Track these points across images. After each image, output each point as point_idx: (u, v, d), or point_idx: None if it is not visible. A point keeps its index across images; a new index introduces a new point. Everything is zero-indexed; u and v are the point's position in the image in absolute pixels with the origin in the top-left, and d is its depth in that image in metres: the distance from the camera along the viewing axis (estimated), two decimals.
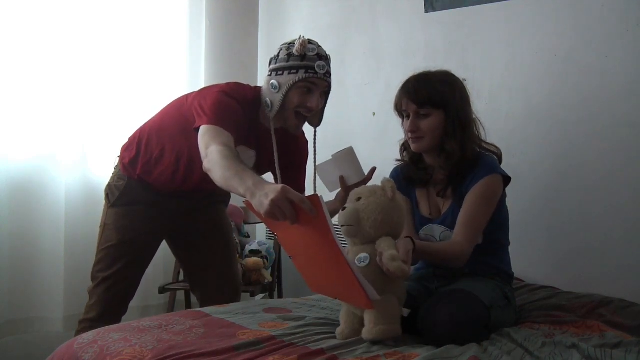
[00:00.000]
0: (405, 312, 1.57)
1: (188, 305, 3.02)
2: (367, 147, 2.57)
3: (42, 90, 2.67)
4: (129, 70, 2.93)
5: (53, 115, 2.69)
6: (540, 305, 1.89)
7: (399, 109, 1.86)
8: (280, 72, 1.88)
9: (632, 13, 2.06)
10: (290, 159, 2.09)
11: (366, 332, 1.49)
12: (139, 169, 2.09)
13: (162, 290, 2.86)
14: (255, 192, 1.44)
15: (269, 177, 2.05)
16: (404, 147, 1.95)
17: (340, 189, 1.92)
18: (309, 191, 2.07)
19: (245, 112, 1.92)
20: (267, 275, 2.92)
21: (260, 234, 3.44)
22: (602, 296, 1.91)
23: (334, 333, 1.58)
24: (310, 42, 1.90)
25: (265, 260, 2.93)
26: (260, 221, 2.34)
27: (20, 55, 2.60)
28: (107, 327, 1.63)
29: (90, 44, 2.80)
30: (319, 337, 1.52)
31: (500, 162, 1.88)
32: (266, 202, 1.37)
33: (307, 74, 1.85)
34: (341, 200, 1.92)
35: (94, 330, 1.61)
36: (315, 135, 2.02)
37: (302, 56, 1.86)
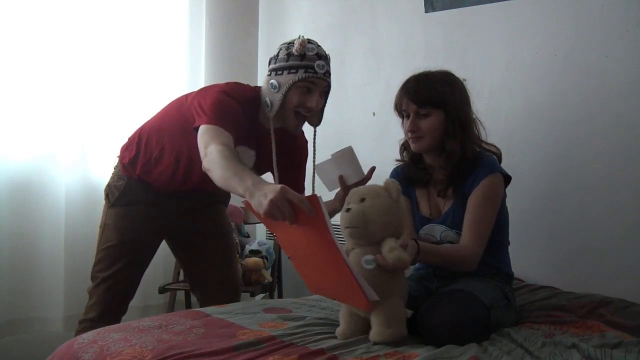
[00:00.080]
0: (408, 312, 1.57)
1: (188, 305, 3.02)
2: (367, 147, 2.57)
3: (42, 90, 2.67)
4: (129, 70, 2.93)
5: (53, 115, 2.70)
6: (540, 305, 1.89)
7: (399, 108, 1.86)
8: (279, 72, 1.88)
9: (632, 13, 2.06)
10: (290, 158, 2.09)
11: (376, 335, 1.49)
12: (138, 169, 2.09)
13: (162, 290, 2.86)
14: (254, 192, 1.44)
15: (268, 177, 2.06)
16: (404, 147, 1.95)
17: (339, 189, 1.92)
18: (308, 191, 2.07)
19: (245, 111, 1.92)
20: (267, 275, 2.92)
21: (260, 234, 3.44)
22: (602, 296, 1.91)
23: (334, 333, 1.58)
24: (309, 41, 1.90)
25: (265, 260, 2.93)
26: (260, 221, 2.34)
27: (20, 55, 2.60)
28: (107, 327, 1.63)
29: (90, 44, 2.80)
30: (319, 337, 1.52)
31: (500, 162, 1.88)
32: (265, 202, 1.37)
33: (307, 74, 1.85)
34: (340, 199, 1.92)
35: (94, 330, 1.61)
36: (314, 135, 2.02)
37: (302, 56, 1.86)
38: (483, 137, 1.89)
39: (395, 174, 1.97)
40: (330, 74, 1.92)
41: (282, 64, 1.88)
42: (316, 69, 1.86)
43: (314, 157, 2.02)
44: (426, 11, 2.67)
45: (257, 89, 2.00)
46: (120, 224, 2.09)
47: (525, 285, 2.13)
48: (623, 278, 2.07)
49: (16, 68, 2.59)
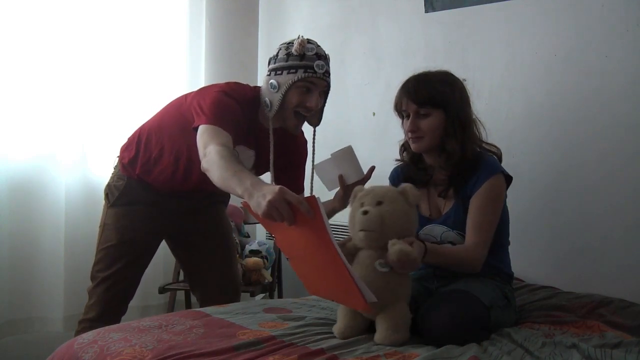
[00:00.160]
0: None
1: (188, 305, 3.02)
2: (367, 147, 2.57)
3: (42, 90, 2.67)
4: (129, 70, 2.93)
5: (53, 115, 2.70)
6: (540, 305, 1.89)
7: (399, 108, 1.86)
8: (279, 72, 1.88)
9: (632, 13, 2.06)
10: (290, 158, 2.09)
11: (382, 339, 1.49)
12: (138, 169, 2.09)
13: (162, 290, 2.86)
14: (252, 192, 1.44)
15: (268, 177, 2.06)
16: (404, 147, 1.95)
17: (339, 188, 1.92)
18: (308, 191, 2.07)
19: (244, 111, 1.92)
20: (267, 275, 2.92)
21: (260, 234, 3.44)
22: (602, 296, 1.91)
23: (334, 333, 1.58)
24: (309, 41, 1.90)
25: (265, 260, 2.93)
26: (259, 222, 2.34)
27: (21, 55, 2.60)
28: (107, 327, 1.63)
29: (90, 44, 2.80)
30: (319, 337, 1.52)
31: (501, 162, 1.88)
32: (263, 203, 1.38)
33: (306, 74, 1.85)
34: (340, 199, 1.92)
35: (94, 330, 1.61)
36: (314, 134, 2.02)
37: (301, 56, 1.86)
38: (484, 137, 1.89)
39: (395, 174, 1.97)
40: (329, 74, 1.92)
41: (282, 64, 1.88)
42: (315, 68, 1.86)
43: (313, 157, 2.02)
44: (426, 11, 2.67)
45: (257, 89, 2.00)
46: (120, 223, 2.09)
47: (525, 285, 2.13)
48: (623, 278, 2.07)
49: (16, 68, 2.59)
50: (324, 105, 2.00)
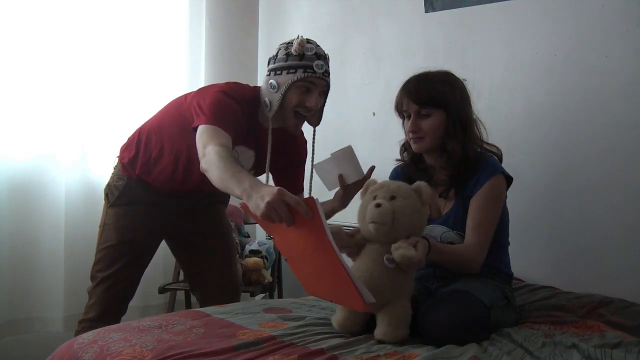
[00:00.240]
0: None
1: (188, 305, 3.02)
2: (367, 147, 2.57)
3: (42, 90, 2.67)
4: (129, 70, 2.93)
5: (53, 115, 2.70)
6: (540, 305, 1.89)
7: (400, 109, 1.86)
8: (278, 72, 1.88)
9: (632, 13, 2.06)
10: (289, 158, 2.09)
11: (383, 335, 1.49)
12: (138, 169, 2.09)
13: (162, 290, 2.86)
14: (251, 194, 1.44)
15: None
16: (404, 147, 1.95)
17: (338, 188, 1.92)
18: (308, 191, 2.07)
19: (243, 111, 1.92)
20: (267, 275, 2.92)
21: (260, 234, 3.43)
22: (602, 296, 1.91)
23: (334, 333, 1.58)
24: (308, 41, 1.90)
25: (265, 260, 2.93)
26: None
27: (20, 55, 2.60)
28: (107, 327, 1.63)
29: (90, 44, 2.80)
30: (319, 337, 1.52)
31: (501, 162, 1.88)
32: (262, 205, 1.38)
33: (306, 74, 1.85)
34: (340, 199, 1.92)
35: (94, 330, 1.61)
36: (314, 134, 2.02)
37: (301, 55, 1.86)
38: (484, 137, 1.89)
39: (396, 173, 1.97)
40: (329, 74, 1.92)
41: (281, 63, 1.88)
42: (315, 68, 1.86)
43: (313, 157, 2.02)
44: (426, 11, 2.67)
45: (257, 89, 2.00)
46: (120, 223, 2.09)
47: (525, 285, 2.13)
48: (623, 278, 2.07)
49: (16, 68, 2.59)
50: (323, 105, 2.00)
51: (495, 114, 2.34)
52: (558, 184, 2.27)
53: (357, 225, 1.64)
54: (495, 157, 1.87)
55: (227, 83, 1.99)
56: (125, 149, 2.15)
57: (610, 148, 2.12)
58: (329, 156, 1.89)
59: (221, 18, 3.34)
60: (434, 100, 1.78)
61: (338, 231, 1.56)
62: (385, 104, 2.60)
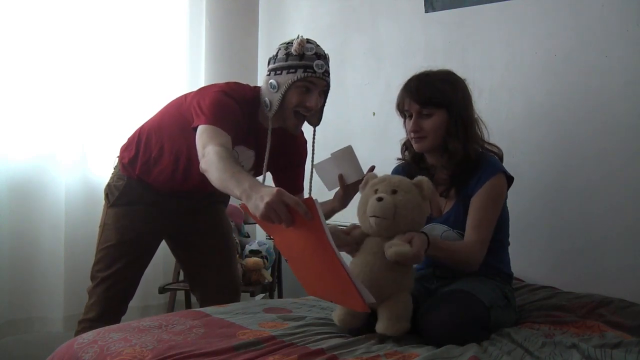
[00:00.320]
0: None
1: (188, 305, 3.02)
2: (367, 147, 2.57)
3: (42, 90, 2.67)
4: (129, 70, 2.93)
5: (53, 115, 2.70)
6: (540, 305, 1.89)
7: (401, 108, 1.86)
8: (278, 72, 1.88)
9: (632, 13, 2.06)
10: (289, 158, 2.09)
11: (384, 328, 1.50)
12: (138, 169, 2.09)
13: (162, 290, 2.86)
14: (250, 194, 1.44)
15: (268, 177, 2.05)
16: (405, 146, 1.95)
17: (338, 188, 1.92)
18: (308, 191, 2.07)
19: (243, 111, 1.91)
20: (267, 275, 2.92)
21: (260, 234, 3.43)
22: (602, 296, 1.91)
23: (334, 333, 1.58)
24: (308, 41, 1.90)
25: (265, 260, 2.93)
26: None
27: (20, 55, 2.60)
28: (107, 327, 1.63)
29: (90, 44, 2.80)
30: (319, 337, 1.52)
31: (502, 162, 1.88)
32: (261, 205, 1.38)
33: (306, 73, 1.85)
34: (340, 199, 1.92)
35: (94, 330, 1.61)
36: (314, 134, 2.02)
37: (301, 55, 1.86)
38: (486, 137, 1.89)
39: (397, 172, 1.97)
40: (329, 74, 1.92)
41: (281, 63, 1.88)
42: (315, 68, 1.86)
43: (312, 157, 2.02)
44: (426, 11, 2.67)
45: (257, 89, 2.00)
46: (120, 223, 2.09)
47: (525, 285, 2.13)
48: (623, 278, 2.07)
49: (16, 68, 2.59)
50: (323, 105, 2.00)
51: (495, 114, 2.34)
52: (558, 184, 2.27)
53: (357, 224, 1.65)
54: (497, 157, 1.87)
55: (227, 83, 1.99)
56: (125, 149, 2.15)
57: (610, 148, 2.12)
58: (329, 156, 1.89)
59: (221, 18, 3.34)
60: (436, 99, 1.78)
61: (334, 230, 1.55)
62: (385, 104, 2.60)
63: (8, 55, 2.56)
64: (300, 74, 1.85)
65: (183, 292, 3.03)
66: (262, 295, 3.02)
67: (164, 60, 3.06)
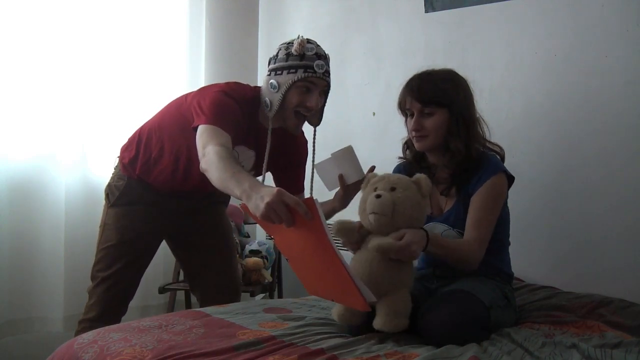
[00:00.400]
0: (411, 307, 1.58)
1: (188, 305, 3.02)
2: (367, 147, 2.57)
3: (42, 90, 2.67)
4: (129, 70, 2.93)
5: (53, 115, 2.70)
6: (540, 305, 1.89)
7: (403, 107, 1.86)
8: (279, 72, 1.88)
9: (632, 13, 2.06)
10: (290, 158, 2.09)
11: (381, 324, 1.50)
12: (138, 169, 2.09)
13: (162, 290, 2.86)
14: (251, 194, 1.44)
15: (269, 178, 2.06)
16: (407, 145, 1.95)
17: (339, 188, 1.92)
18: (307, 191, 2.07)
19: (243, 111, 1.91)
20: (267, 275, 2.92)
21: (260, 234, 3.44)
22: (602, 296, 1.91)
23: (334, 333, 1.58)
24: (308, 41, 1.90)
25: (265, 260, 2.93)
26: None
27: (21, 55, 2.60)
28: (107, 327, 1.63)
29: (90, 44, 2.80)
30: (319, 337, 1.52)
31: (504, 161, 1.88)
32: (262, 205, 1.38)
33: (306, 74, 1.85)
34: (340, 199, 1.92)
35: (94, 330, 1.61)
36: (314, 134, 2.02)
37: (301, 56, 1.86)
38: (487, 136, 1.89)
39: (397, 171, 1.97)
40: (329, 74, 1.92)
41: (282, 64, 1.88)
42: (315, 68, 1.86)
43: (313, 157, 2.02)
44: (426, 11, 2.67)
45: (257, 89, 2.00)
46: (120, 223, 2.09)
47: (525, 285, 2.13)
48: (623, 278, 2.07)
49: (16, 68, 2.59)
50: (324, 105, 1.99)
51: (495, 114, 2.33)
52: (558, 184, 2.27)
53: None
54: (498, 157, 1.87)
55: (228, 83, 1.99)
56: (125, 149, 2.15)
57: (610, 148, 2.12)
58: (329, 156, 1.90)
59: (221, 18, 3.34)
60: (437, 98, 1.78)
61: (349, 225, 1.58)
62: (385, 104, 2.60)
63: (8, 55, 2.56)
64: (300, 74, 1.85)
65: (183, 292, 3.03)
66: (262, 295, 3.02)
67: (164, 60, 3.06)
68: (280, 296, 3.11)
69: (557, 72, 2.26)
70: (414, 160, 1.92)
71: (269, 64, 1.94)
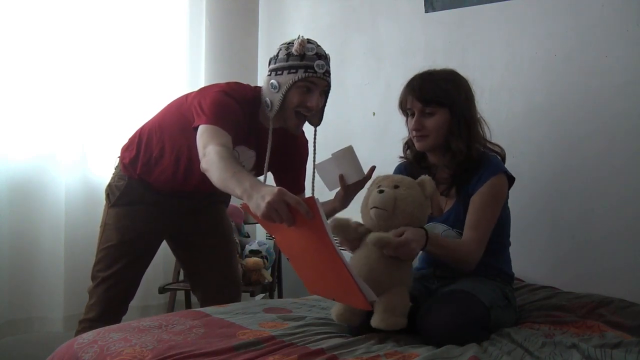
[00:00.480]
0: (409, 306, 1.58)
1: (188, 305, 3.02)
2: (367, 147, 2.57)
3: (42, 90, 2.67)
4: (129, 70, 2.93)
5: (53, 115, 2.70)
6: (540, 305, 1.89)
7: (404, 107, 1.86)
8: (279, 72, 1.88)
9: (632, 13, 2.06)
10: (290, 158, 2.09)
11: (378, 321, 1.50)
12: (138, 169, 2.09)
13: (162, 290, 2.86)
14: (252, 194, 1.44)
15: (269, 178, 2.05)
16: (407, 145, 1.96)
17: (339, 188, 1.92)
18: (308, 191, 2.07)
19: (244, 111, 1.92)
20: (267, 275, 2.92)
21: (260, 234, 3.44)
22: (602, 296, 1.91)
23: (334, 333, 1.58)
24: (309, 41, 1.90)
25: (265, 260, 2.93)
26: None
27: (21, 55, 2.60)
28: (107, 327, 1.63)
29: (90, 44, 2.80)
30: (319, 337, 1.52)
31: (504, 162, 1.88)
32: (262, 205, 1.38)
33: (307, 74, 1.85)
34: (340, 199, 1.92)
35: (94, 330, 1.61)
36: (315, 134, 2.02)
37: (301, 56, 1.86)
38: (488, 137, 1.89)
39: (398, 171, 1.97)
40: (330, 74, 1.92)
41: (282, 64, 1.88)
42: (316, 68, 1.86)
43: (314, 157, 2.02)
44: (426, 11, 2.67)
45: (258, 89, 2.00)
46: (120, 224, 2.09)
47: (525, 285, 2.13)
48: (623, 278, 2.07)
49: (16, 68, 2.59)
50: (324, 105, 1.99)
51: (495, 114, 2.33)
52: (558, 184, 2.27)
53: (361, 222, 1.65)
54: (499, 157, 1.87)
55: (228, 83, 1.99)
56: (126, 149, 2.15)
57: (610, 148, 2.12)
58: (330, 156, 1.90)
59: (221, 18, 3.34)
60: (438, 98, 1.78)
61: (347, 223, 1.60)
62: (385, 104, 2.60)
63: (8, 56, 2.56)
64: (301, 74, 1.85)
65: (183, 292, 3.03)
66: (262, 295, 3.02)
67: (164, 60, 3.06)
68: (280, 296, 3.11)
69: (557, 72, 2.26)
70: (414, 160, 1.93)
71: (269, 64, 1.94)
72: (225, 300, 2.05)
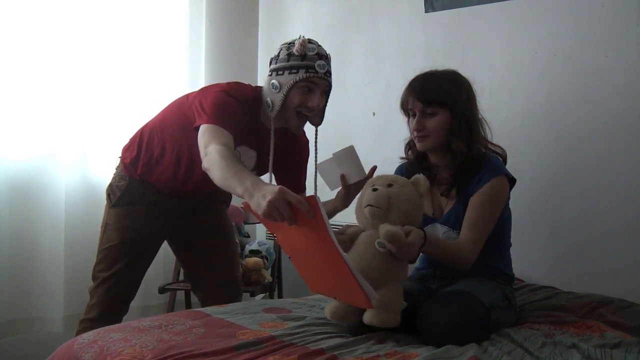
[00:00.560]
0: (403, 304, 1.58)
1: (188, 305, 3.02)
2: (367, 147, 2.57)
3: (42, 90, 2.67)
4: (129, 70, 2.93)
5: (53, 115, 2.70)
6: (540, 305, 1.89)
7: (405, 107, 1.86)
8: (280, 72, 1.88)
9: (632, 13, 2.06)
10: (291, 158, 2.09)
11: (371, 317, 1.50)
12: (139, 169, 2.09)
13: (162, 290, 2.86)
14: (253, 193, 1.44)
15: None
16: (409, 145, 1.96)
17: (340, 188, 1.92)
18: (309, 191, 2.07)
19: (245, 111, 1.92)
20: (267, 275, 2.92)
21: (260, 234, 3.44)
22: (602, 296, 1.91)
23: (334, 333, 1.58)
24: (310, 41, 1.90)
25: (265, 260, 2.93)
26: (259, 221, 2.35)
27: (21, 55, 2.60)
28: (107, 327, 1.63)
29: (90, 44, 2.80)
30: (319, 337, 1.52)
31: (505, 163, 1.88)
32: (264, 203, 1.38)
33: (308, 74, 1.85)
34: (341, 199, 1.92)
35: (94, 330, 1.61)
36: (316, 134, 2.02)
37: (302, 56, 1.86)
38: (489, 138, 1.89)
39: (399, 171, 1.97)
40: (331, 74, 1.92)
41: (283, 64, 1.88)
42: (317, 68, 1.86)
43: (315, 157, 2.02)
44: (426, 11, 2.67)
45: (259, 89, 2.00)
46: (121, 224, 2.09)
47: (525, 285, 2.13)
48: (623, 278, 2.07)
49: (16, 68, 2.59)
50: (325, 105, 2.00)
51: (496, 114, 2.33)
52: (558, 184, 2.27)
53: (351, 224, 1.65)
54: (500, 158, 1.87)
55: (229, 83, 1.99)
56: (127, 149, 2.15)
57: (610, 148, 2.12)
58: (331, 156, 1.90)
59: (221, 18, 3.34)
60: (440, 99, 1.78)
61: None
62: (385, 104, 2.60)
63: (8, 55, 2.56)
64: (302, 74, 1.85)
65: (183, 292, 3.03)
66: (262, 295, 3.02)
67: (164, 60, 3.06)
68: (280, 296, 3.11)
69: (557, 72, 2.26)
70: (415, 161, 1.93)
71: (270, 64, 1.94)
72: (225, 300, 2.05)
